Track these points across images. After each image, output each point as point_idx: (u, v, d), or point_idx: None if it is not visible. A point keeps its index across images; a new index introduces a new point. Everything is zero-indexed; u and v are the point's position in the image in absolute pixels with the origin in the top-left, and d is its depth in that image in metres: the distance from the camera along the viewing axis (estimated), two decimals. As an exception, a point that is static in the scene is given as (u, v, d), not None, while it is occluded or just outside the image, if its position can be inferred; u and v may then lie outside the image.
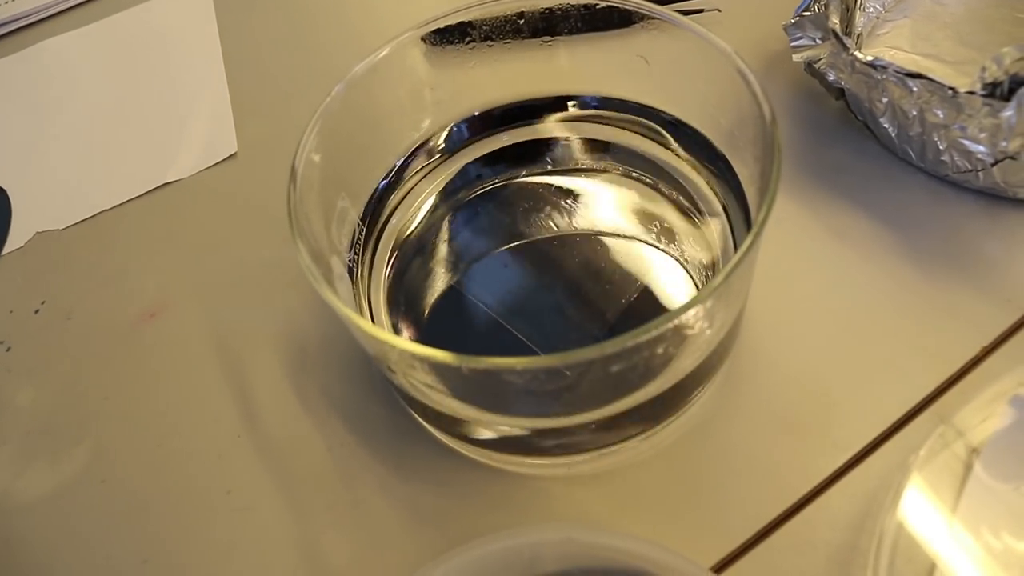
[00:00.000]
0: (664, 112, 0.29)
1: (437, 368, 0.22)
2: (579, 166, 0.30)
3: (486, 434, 0.25)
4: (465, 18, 0.28)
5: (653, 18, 0.27)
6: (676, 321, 0.20)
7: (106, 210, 0.37)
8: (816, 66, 0.32)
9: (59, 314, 0.33)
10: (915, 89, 0.28)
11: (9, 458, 0.29)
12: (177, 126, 0.40)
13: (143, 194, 0.37)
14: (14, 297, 0.34)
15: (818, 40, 0.32)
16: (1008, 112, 0.26)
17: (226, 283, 0.33)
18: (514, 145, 0.30)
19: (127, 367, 0.31)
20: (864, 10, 0.35)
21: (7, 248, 0.36)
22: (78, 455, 0.29)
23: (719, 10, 0.38)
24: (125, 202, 0.37)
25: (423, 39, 0.28)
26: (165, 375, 0.31)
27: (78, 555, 0.27)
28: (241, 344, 0.31)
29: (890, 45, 0.34)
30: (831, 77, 0.31)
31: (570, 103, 0.30)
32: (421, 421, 0.27)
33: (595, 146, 0.30)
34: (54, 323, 0.33)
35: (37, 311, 0.34)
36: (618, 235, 0.28)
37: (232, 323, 0.32)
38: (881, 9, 0.35)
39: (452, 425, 0.26)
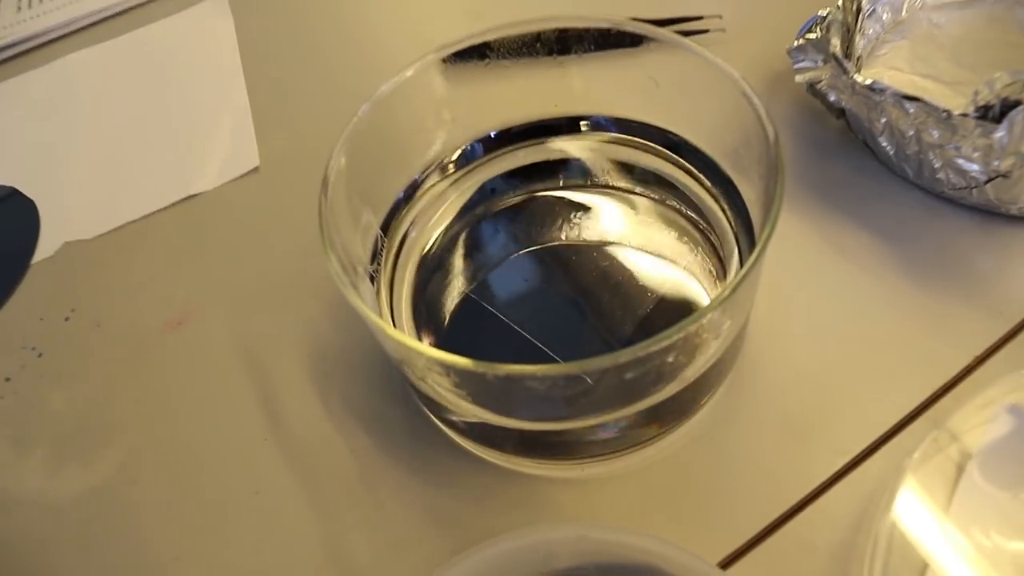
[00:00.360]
0: (673, 131, 0.30)
1: (461, 374, 0.23)
2: (592, 183, 0.31)
3: (503, 437, 0.26)
4: (486, 39, 0.29)
5: (663, 41, 0.28)
6: (686, 331, 0.21)
7: (133, 221, 0.38)
8: (817, 87, 0.33)
9: (89, 321, 0.34)
10: (912, 111, 0.29)
11: (43, 460, 0.31)
12: (200, 140, 0.41)
13: (169, 206, 0.38)
14: (45, 305, 0.35)
15: (820, 62, 0.33)
16: (1000, 133, 0.28)
17: (250, 292, 0.34)
18: (529, 163, 0.32)
19: (156, 373, 0.32)
20: (864, 32, 0.36)
21: (37, 257, 0.37)
22: (110, 457, 0.30)
23: (724, 30, 0.39)
24: (151, 213, 0.38)
25: (443, 59, 0.29)
26: (192, 380, 0.32)
27: (112, 553, 0.28)
28: (265, 351, 0.32)
29: (889, 65, 0.36)
30: (832, 98, 0.33)
31: (583, 122, 0.31)
32: (440, 424, 0.28)
33: (607, 164, 0.31)
34: (84, 330, 0.34)
35: (67, 319, 0.35)
36: (629, 248, 0.30)
37: (256, 331, 0.33)
38: (881, 30, 0.37)
39: (470, 428, 0.27)
